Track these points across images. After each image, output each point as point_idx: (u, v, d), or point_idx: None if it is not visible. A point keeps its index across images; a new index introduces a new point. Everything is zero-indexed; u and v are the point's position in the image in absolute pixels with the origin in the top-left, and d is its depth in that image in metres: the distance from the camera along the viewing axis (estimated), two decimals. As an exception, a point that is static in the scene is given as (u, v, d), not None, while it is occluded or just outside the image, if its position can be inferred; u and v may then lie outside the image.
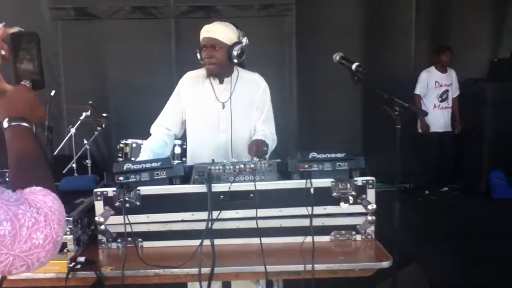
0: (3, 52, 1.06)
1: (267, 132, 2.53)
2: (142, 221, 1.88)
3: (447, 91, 5.44)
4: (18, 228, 0.84)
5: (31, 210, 0.87)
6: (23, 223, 0.85)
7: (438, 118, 5.42)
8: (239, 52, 2.39)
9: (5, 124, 1.02)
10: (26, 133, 1.02)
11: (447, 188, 5.64)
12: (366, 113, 5.85)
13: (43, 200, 0.92)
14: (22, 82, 1.08)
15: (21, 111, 1.03)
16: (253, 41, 2.47)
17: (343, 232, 1.90)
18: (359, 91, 5.60)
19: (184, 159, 3.68)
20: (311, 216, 1.83)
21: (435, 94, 5.43)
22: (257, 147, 2.27)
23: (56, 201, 0.95)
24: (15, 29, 1.06)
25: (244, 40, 2.42)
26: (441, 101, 5.44)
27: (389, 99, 1.79)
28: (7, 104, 1.04)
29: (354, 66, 1.97)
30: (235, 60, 2.41)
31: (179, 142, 4.04)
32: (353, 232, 1.90)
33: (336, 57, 2.07)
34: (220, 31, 2.38)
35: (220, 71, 2.45)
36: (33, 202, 0.91)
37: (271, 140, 2.51)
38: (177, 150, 4.15)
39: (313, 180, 1.83)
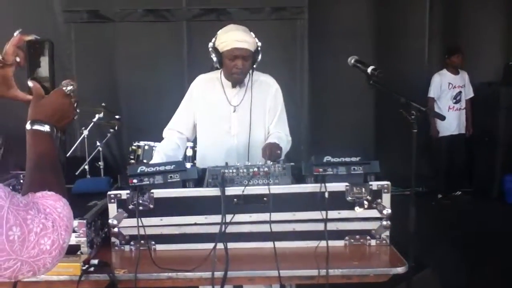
0: (18, 59, 1.06)
1: (282, 134, 2.52)
2: (156, 224, 1.87)
3: (460, 92, 5.41)
4: (27, 234, 0.84)
5: (39, 216, 0.87)
6: (31, 228, 0.84)
7: (452, 121, 5.36)
8: (259, 58, 2.40)
9: (28, 126, 1.02)
10: (45, 137, 1.02)
11: (460, 192, 5.58)
12: (378, 117, 5.80)
13: (53, 205, 0.92)
14: (63, 87, 1.08)
15: (47, 116, 1.03)
16: (265, 44, 2.45)
17: (357, 236, 1.88)
18: (371, 94, 5.56)
19: (195, 161, 3.68)
20: (325, 221, 1.81)
21: (449, 95, 5.39)
22: (270, 151, 2.25)
23: (66, 207, 0.94)
24: (31, 37, 1.07)
25: (259, 44, 2.42)
26: (455, 103, 5.41)
27: (405, 103, 1.77)
28: (36, 107, 1.04)
29: (369, 70, 1.94)
30: (254, 66, 2.42)
31: (190, 144, 4.03)
32: (368, 237, 1.87)
33: (351, 60, 2.04)
34: (250, 41, 2.34)
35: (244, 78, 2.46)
36: (43, 206, 0.90)
37: (285, 141, 2.50)
38: (189, 152, 4.15)
39: (327, 184, 1.81)
